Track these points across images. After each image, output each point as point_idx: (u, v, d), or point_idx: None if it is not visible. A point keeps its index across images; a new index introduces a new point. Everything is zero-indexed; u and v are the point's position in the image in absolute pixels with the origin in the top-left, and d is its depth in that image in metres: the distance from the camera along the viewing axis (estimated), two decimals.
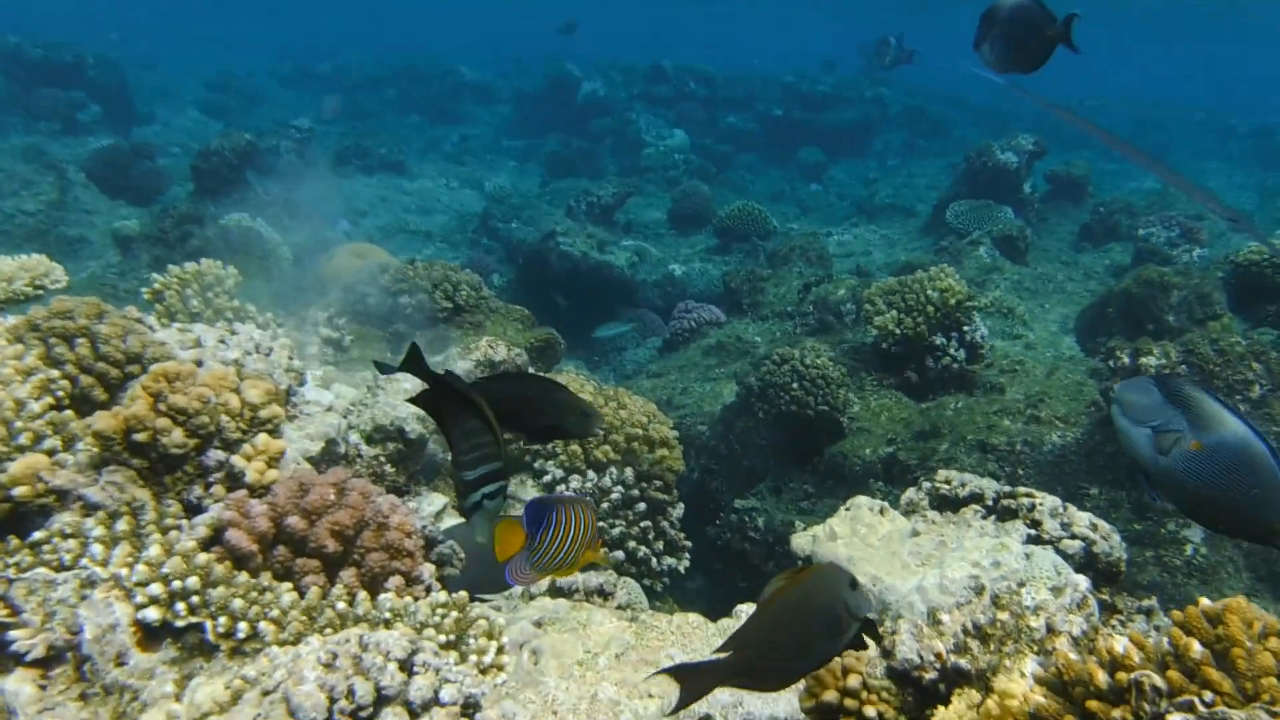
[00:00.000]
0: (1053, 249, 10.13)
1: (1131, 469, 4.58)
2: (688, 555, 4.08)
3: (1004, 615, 2.00)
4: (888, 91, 20.90)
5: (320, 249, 8.73)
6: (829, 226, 13.00)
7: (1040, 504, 3.11)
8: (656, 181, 15.58)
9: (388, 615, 2.52)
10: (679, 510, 4.16)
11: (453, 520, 3.71)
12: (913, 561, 3.02)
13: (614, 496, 3.94)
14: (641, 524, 3.94)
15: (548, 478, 4.06)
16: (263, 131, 13.57)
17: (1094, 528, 3.04)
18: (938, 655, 1.99)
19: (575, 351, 9.67)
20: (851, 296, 7.22)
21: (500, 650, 2.50)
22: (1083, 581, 2.24)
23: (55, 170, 11.44)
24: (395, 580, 2.69)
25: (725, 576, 5.50)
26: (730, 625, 2.70)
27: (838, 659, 2.09)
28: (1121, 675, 1.52)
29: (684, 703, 1.72)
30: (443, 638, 2.47)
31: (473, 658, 2.45)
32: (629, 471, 4.03)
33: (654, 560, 3.92)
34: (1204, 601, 1.60)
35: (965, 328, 5.81)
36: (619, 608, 2.96)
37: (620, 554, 3.83)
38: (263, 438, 3.01)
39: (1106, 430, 5.00)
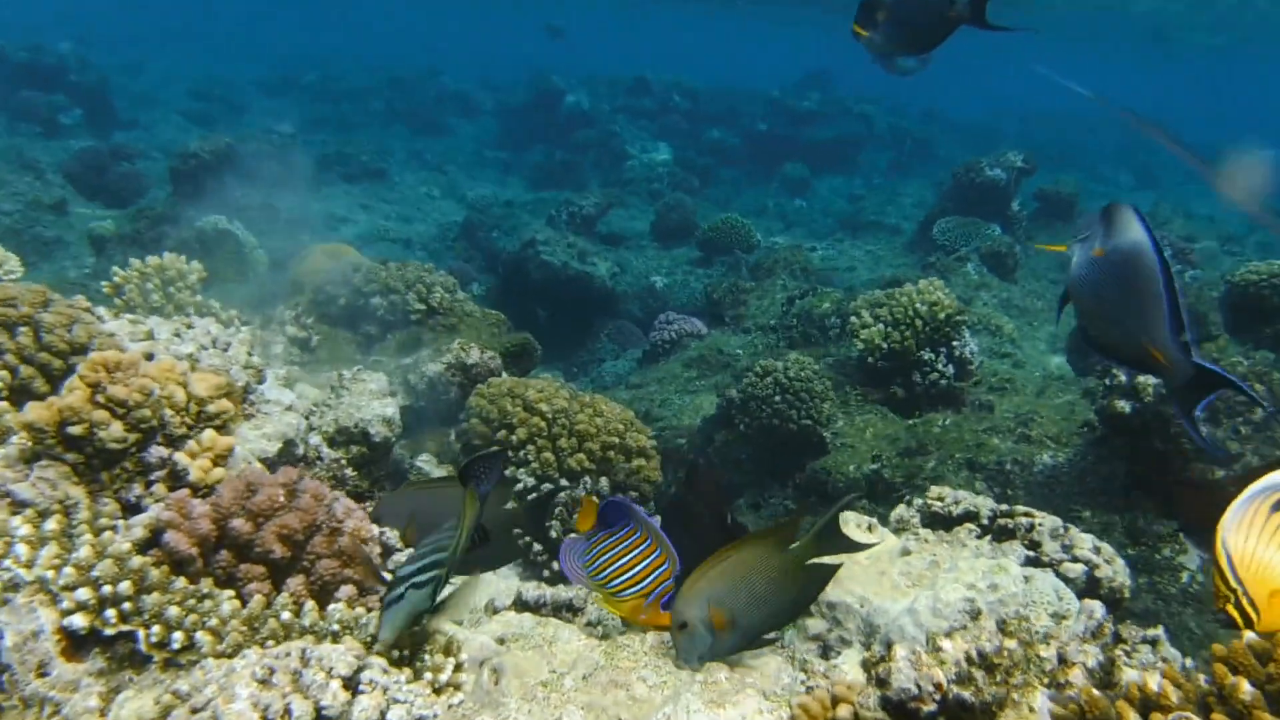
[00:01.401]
0: (1041, 267, 10.01)
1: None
2: None
3: (1011, 643, 1.82)
4: (873, 109, 20.87)
5: (298, 254, 8.53)
6: (813, 241, 12.86)
7: (1040, 524, 2.94)
8: (639, 194, 15.43)
9: (336, 628, 2.32)
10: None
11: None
12: (903, 582, 2.83)
13: None
14: None
15: (518, 486, 3.85)
16: (244, 136, 13.33)
17: (1097, 550, 2.87)
18: (937, 685, 1.80)
19: (554, 362, 9.49)
20: (836, 310, 7.06)
21: (458, 668, 2.29)
22: (1099, 608, 2.06)
23: (33, 170, 11.21)
24: (347, 590, 2.49)
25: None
26: None
27: (827, 689, 1.90)
28: (1157, 716, 1.33)
29: None
30: (395, 652, 2.27)
31: (427, 675, 2.25)
32: (604, 482, 3.84)
33: None
34: (1250, 635, 1.42)
35: (955, 343, 5.65)
36: (589, 624, 2.76)
37: None
38: (209, 434, 2.80)
39: (1099, 451, 4.84)
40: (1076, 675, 1.80)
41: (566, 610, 2.74)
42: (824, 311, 7.09)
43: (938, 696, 1.81)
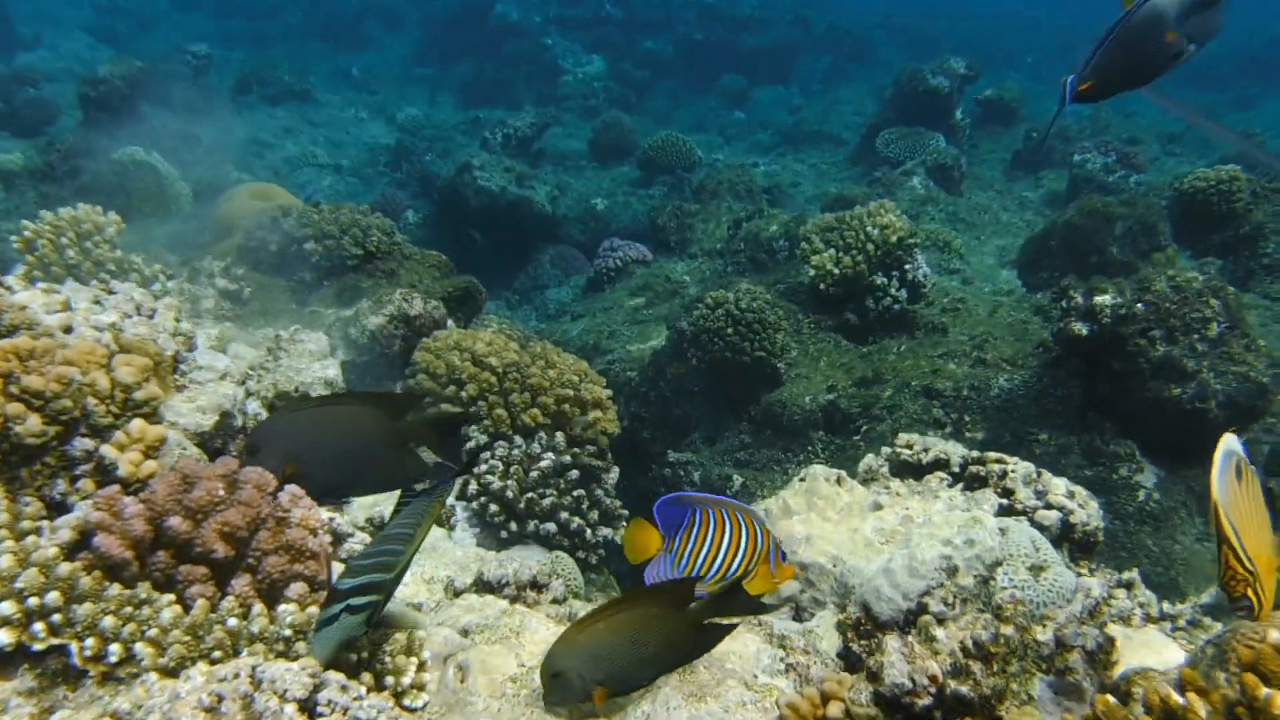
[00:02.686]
0: (985, 177, 9.93)
1: None
2: (624, 524, 3.78)
3: (1008, 629, 1.73)
4: (811, 13, 20.44)
5: (222, 185, 8.17)
6: (754, 156, 12.65)
7: (1012, 471, 2.87)
8: (575, 111, 15.03)
9: (288, 633, 2.17)
10: (614, 476, 3.86)
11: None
12: (877, 539, 2.76)
13: (544, 464, 3.60)
14: (574, 493, 3.62)
15: (470, 444, 3.71)
16: (157, 57, 12.63)
17: (1071, 495, 2.82)
18: (932, 678, 1.72)
19: (494, 290, 9.27)
20: (784, 233, 6.92)
21: (421, 667, 2.17)
22: (1096, 586, 1.99)
23: None
24: (297, 587, 2.33)
25: None
26: None
27: (816, 686, 1.81)
28: None
29: None
30: (353, 656, 2.14)
31: (389, 679, 2.13)
32: (560, 436, 3.70)
33: (588, 531, 3.61)
34: (1273, 634, 1.34)
35: (907, 266, 5.56)
36: (554, 601, 2.65)
37: (552, 526, 3.51)
38: (138, 424, 2.60)
39: (1055, 373, 4.81)
40: (1075, 659, 1.72)
41: (531, 589, 2.63)
42: (771, 234, 6.94)
43: (933, 690, 1.73)
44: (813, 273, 5.66)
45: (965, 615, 1.81)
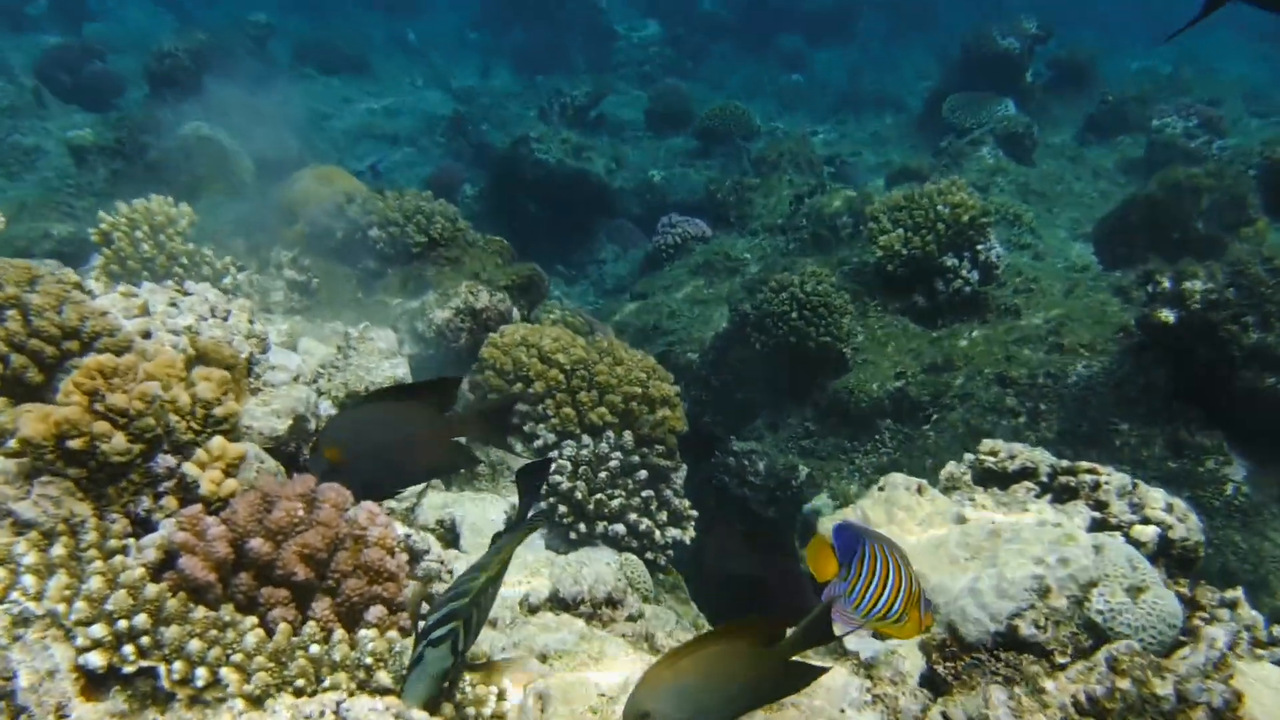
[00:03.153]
0: (1057, 144, 9.61)
1: None
2: (693, 524, 3.73)
3: (1124, 683, 1.66)
4: None
5: (283, 158, 8.20)
6: (813, 124, 12.40)
7: (1105, 482, 2.77)
8: (630, 78, 14.85)
9: (369, 660, 2.16)
10: (682, 475, 3.81)
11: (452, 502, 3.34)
12: (961, 555, 2.68)
13: (612, 464, 3.57)
14: (643, 493, 3.58)
15: (539, 443, 3.68)
16: (218, 28, 12.71)
17: (1170, 509, 2.70)
18: None
19: (550, 263, 9.22)
20: (848, 209, 6.77)
21: (501, 696, 2.16)
22: (1221, 635, 1.90)
23: (5, 73, 10.69)
24: (376, 610, 2.33)
25: (722, 518, 5.18)
26: None
27: None
28: None
29: None
30: None
31: (470, 709, 2.11)
32: (628, 435, 3.66)
33: (657, 533, 3.57)
34: None
35: (979, 246, 5.40)
36: (629, 619, 2.62)
37: (621, 527, 3.48)
38: (218, 441, 2.61)
39: (1138, 359, 4.66)
40: (1200, 718, 1.64)
41: (607, 606, 2.60)
42: (835, 210, 6.80)
43: None
44: (880, 253, 5.53)
45: (1075, 665, 1.74)
